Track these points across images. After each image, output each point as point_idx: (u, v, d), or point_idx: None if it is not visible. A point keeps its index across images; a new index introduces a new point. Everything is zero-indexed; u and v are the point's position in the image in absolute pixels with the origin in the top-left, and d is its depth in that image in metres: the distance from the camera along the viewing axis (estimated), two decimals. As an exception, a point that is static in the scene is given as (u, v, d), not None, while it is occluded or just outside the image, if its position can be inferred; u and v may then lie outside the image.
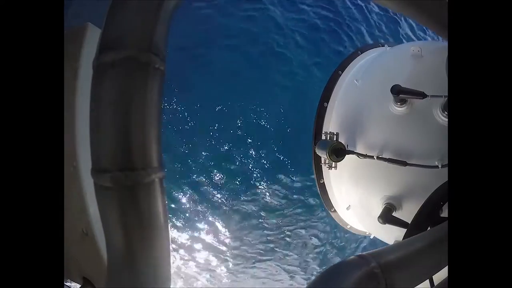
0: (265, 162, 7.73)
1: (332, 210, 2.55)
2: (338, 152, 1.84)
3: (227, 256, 8.43)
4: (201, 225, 8.11)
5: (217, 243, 8.28)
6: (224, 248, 8.34)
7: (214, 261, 8.50)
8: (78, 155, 1.19)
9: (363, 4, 8.75)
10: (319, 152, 2.00)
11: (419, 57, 1.75)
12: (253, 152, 7.64)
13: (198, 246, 8.32)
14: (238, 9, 7.72)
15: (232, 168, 7.66)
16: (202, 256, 8.44)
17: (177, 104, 7.18)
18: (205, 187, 7.71)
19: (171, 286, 0.74)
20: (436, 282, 1.05)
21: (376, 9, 9.01)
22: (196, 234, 8.17)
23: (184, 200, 7.79)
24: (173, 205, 7.67)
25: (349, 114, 2.08)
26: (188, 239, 8.20)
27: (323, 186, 2.44)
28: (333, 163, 1.96)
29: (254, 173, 7.78)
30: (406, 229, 1.35)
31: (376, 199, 1.76)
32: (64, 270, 1.22)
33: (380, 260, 0.76)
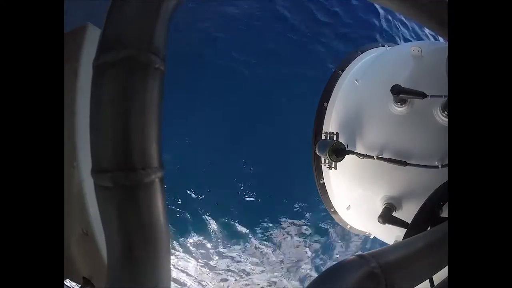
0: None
1: (332, 210, 2.55)
2: (338, 152, 1.84)
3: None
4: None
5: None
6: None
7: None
8: (78, 155, 1.20)
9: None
10: (319, 152, 2.00)
11: (419, 57, 1.75)
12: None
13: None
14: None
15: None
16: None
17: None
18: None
19: (171, 286, 0.74)
20: (436, 282, 1.05)
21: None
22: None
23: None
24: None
25: (349, 114, 2.08)
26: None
27: (323, 186, 2.44)
28: (333, 163, 1.96)
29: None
30: (406, 229, 1.35)
31: (376, 199, 1.76)
32: (64, 270, 1.22)
33: (380, 260, 0.76)
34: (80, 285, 1.37)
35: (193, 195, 7.70)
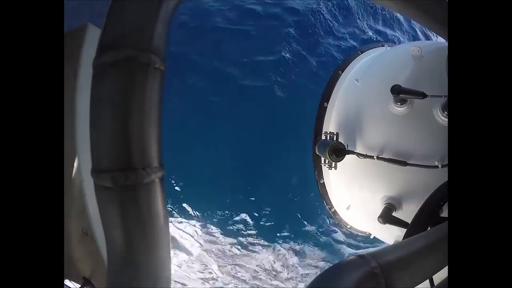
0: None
1: (332, 210, 2.55)
2: (338, 152, 1.84)
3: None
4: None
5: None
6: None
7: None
8: (78, 155, 1.20)
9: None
10: (319, 152, 2.00)
11: (419, 57, 1.75)
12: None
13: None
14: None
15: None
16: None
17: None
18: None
19: (171, 286, 0.74)
20: (436, 282, 1.05)
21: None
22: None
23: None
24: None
25: (349, 114, 2.08)
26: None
27: (323, 186, 2.44)
28: (333, 163, 1.96)
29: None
30: (406, 229, 1.35)
31: (376, 199, 1.76)
32: (64, 270, 1.22)
33: (380, 260, 0.76)
34: (80, 285, 1.37)
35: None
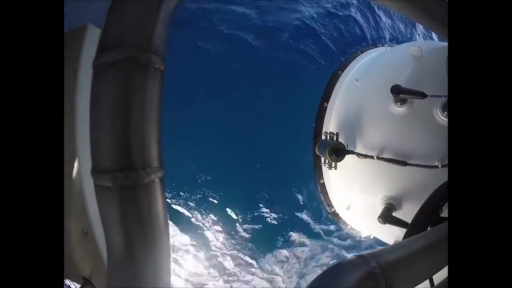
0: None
1: (332, 210, 2.55)
2: (338, 152, 1.84)
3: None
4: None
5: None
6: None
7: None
8: (78, 155, 1.20)
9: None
10: (319, 152, 2.00)
11: (419, 57, 1.75)
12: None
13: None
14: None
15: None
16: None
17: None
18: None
19: (171, 286, 0.74)
20: (436, 282, 1.05)
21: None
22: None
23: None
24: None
25: (349, 114, 2.08)
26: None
27: (323, 186, 2.45)
28: (333, 163, 1.96)
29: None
30: (406, 229, 1.35)
31: (376, 199, 1.76)
32: (64, 270, 1.22)
33: (380, 260, 0.76)
34: (80, 285, 1.37)
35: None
